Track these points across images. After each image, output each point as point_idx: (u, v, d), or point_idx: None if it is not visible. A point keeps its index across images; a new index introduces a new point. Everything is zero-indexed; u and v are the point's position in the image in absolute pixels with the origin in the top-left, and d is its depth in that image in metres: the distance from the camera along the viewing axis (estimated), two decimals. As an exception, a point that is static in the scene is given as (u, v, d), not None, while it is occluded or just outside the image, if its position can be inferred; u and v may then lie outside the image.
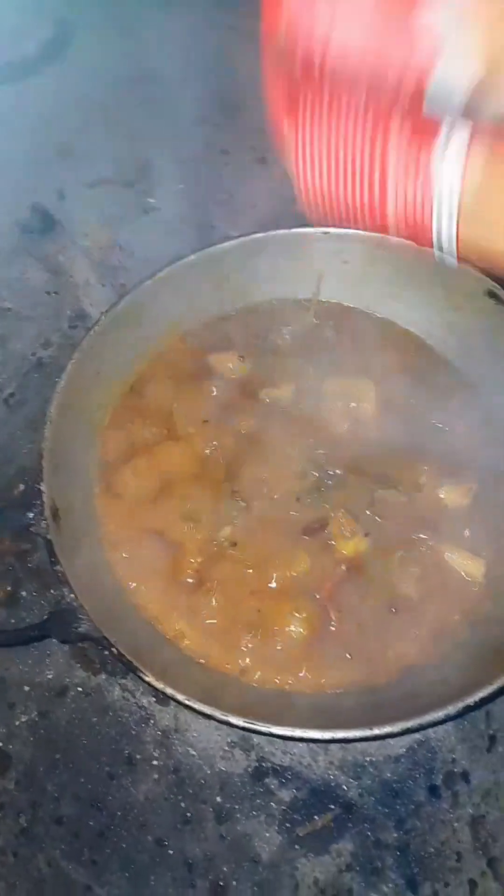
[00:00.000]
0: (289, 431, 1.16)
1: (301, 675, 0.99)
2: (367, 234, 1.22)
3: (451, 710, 0.84)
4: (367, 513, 1.09)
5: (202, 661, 1.01)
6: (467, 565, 1.05)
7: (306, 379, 1.21)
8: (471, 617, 1.03)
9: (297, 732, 0.85)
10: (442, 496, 1.11)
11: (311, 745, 1.01)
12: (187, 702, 0.86)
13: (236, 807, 0.98)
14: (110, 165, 1.68)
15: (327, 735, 0.85)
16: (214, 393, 1.21)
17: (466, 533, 1.08)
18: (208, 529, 1.09)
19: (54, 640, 1.07)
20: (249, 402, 1.20)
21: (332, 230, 1.23)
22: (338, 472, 1.12)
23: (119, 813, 0.98)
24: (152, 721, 1.02)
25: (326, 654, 1.01)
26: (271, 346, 1.25)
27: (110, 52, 1.82)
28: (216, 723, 1.00)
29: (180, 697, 0.87)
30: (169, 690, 0.87)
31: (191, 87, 1.77)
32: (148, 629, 1.02)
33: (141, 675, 0.88)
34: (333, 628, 1.02)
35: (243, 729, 0.86)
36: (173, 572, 1.07)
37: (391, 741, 1.01)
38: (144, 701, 1.04)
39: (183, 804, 0.98)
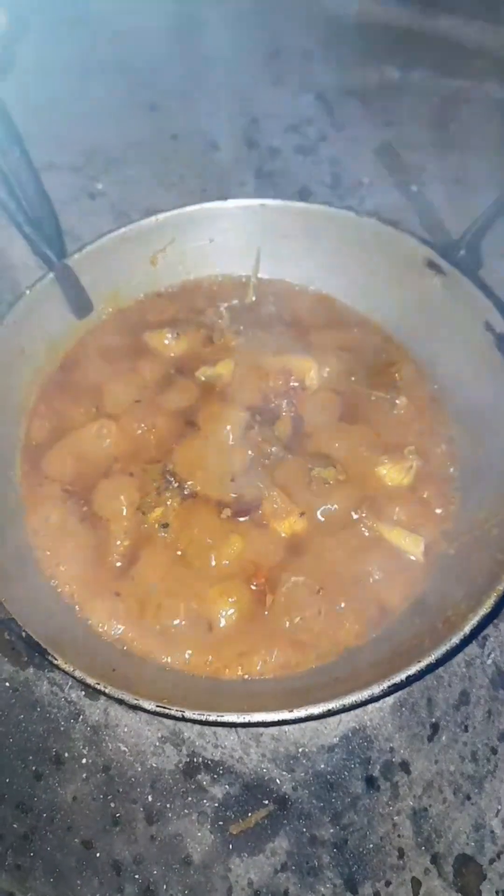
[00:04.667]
0: (225, 410, 1.11)
1: (231, 660, 0.94)
2: (305, 205, 1.22)
3: (377, 689, 0.80)
4: (305, 492, 1.05)
5: (125, 647, 0.95)
6: (406, 543, 1.01)
7: (245, 357, 1.17)
8: (410, 595, 0.97)
9: (213, 716, 0.79)
10: (383, 474, 1.07)
11: (243, 737, 0.94)
12: (97, 685, 0.80)
13: (167, 805, 0.92)
14: (58, 150, 1.63)
15: (243, 718, 0.80)
16: (148, 371, 1.17)
17: (406, 510, 1.04)
18: (138, 511, 1.04)
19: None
20: (185, 381, 1.15)
21: (269, 202, 1.20)
22: (274, 450, 1.08)
23: (45, 815, 0.93)
24: (82, 717, 0.97)
25: (260, 639, 0.95)
26: (209, 324, 1.20)
27: (62, 43, 1.79)
28: (147, 717, 0.94)
29: (90, 681, 0.81)
30: (78, 673, 0.81)
31: (141, 75, 1.73)
32: (69, 614, 0.96)
33: (50, 658, 0.83)
34: (268, 612, 0.97)
35: (155, 713, 0.80)
36: (98, 555, 1.01)
37: (324, 730, 0.94)
38: (74, 695, 0.98)
39: (112, 804, 0.93)
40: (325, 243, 1.20)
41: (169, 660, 0.95)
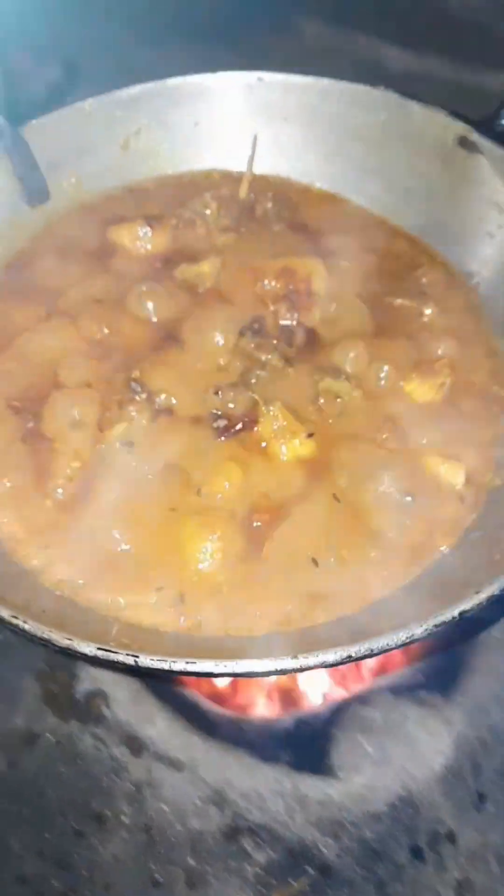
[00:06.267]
0: (209, 314, 0.89)
1: (212, 613, 0.71)
2: (310, 79, 1.01)
3: (418, 630, 0.57)
4: (311, 409, 0.83)
5: (67, 593, 0.72)
6: (443, 471, 0.79)
7: (236, 256, 0.96)
8: (450, 533, 0.75)
9: (178, 664, 0.56)
10: (408, 390, 0.85)
11: (289, 801, 0.84)
12: (13, 619, 0.57)
13: (208, 869, 0.85)
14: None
15: (223, 667, 0.57)
16: (114, 271, 0.94)
17: (441, 433, 0.82)
18: (94, 428, 0.81)
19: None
20: (159, 281, 0.93)
21: (266, 76, 1.00)
22: (271, 360, 0.86)
23: (85, 873, 0.86)
24: (124, 773, 0.88)
25: (253, 588, 0.73)
26: (191, 220, 0.98)
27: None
28: (189, 776, 0.87)
29: (3, 612, 0.57)
30: (28, 625, 0.58)
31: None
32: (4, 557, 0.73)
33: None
34: (262, 554, 0.74)
35: (95, 660, 0.56)
36: (40, 482, 0.78)
37: (371, 797, 0.84)
38: (117, 751, 0.89)
39: (152, 865, 0.85)
40: (334, 128, 1.00)
41: (127, 612, 0.71)
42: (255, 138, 1.01)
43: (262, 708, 0.90)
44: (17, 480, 0.78)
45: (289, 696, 0.91)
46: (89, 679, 0.91)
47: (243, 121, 1.02)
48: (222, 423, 0.80)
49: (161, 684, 0.91)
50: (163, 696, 0.90)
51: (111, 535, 0.74)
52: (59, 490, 0.77)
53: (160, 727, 0.89)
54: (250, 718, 0.90)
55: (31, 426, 0.82)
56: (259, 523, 0.76)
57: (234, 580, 0.73)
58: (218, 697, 0.90)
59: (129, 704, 0.90)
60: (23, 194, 0.95)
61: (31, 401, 0.83)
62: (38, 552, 0.74)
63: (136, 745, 0.88)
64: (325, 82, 0.98)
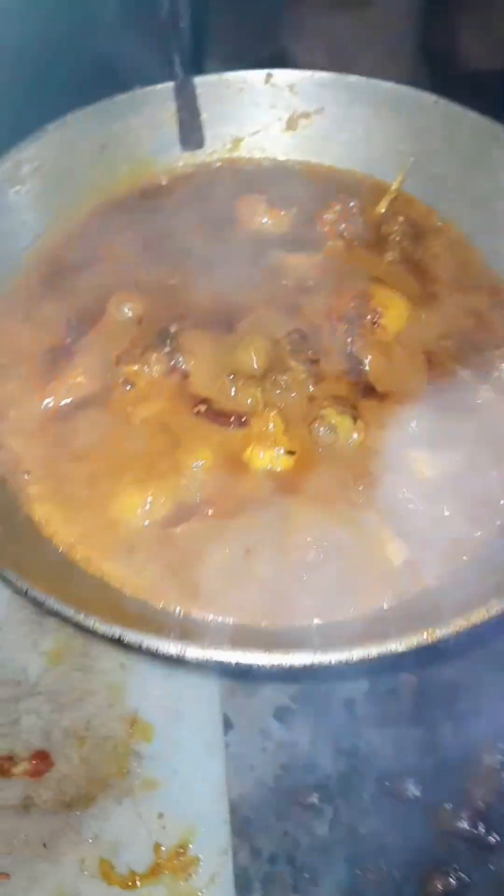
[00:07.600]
0: (269, 311, 0.90)
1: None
2: (486, 121, 0.95)
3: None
4: (301, 429, 0.82)
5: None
6: (388, 546, 0.75)
7: (330, 263, 0.95)
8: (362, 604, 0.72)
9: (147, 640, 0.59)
10: (413, 458, 0.80)
11: None
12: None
13: None
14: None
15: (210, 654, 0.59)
16: (222, 233, 0.98)
17: (414, 511, 0.77)
18: (113, 358, 0.86)
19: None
20: (254, 260, 0.95)
21: (443, 102, 0.95)
22: (296, 370, 0.85)
23: None
24: None
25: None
26: (313, 215, 0.98)
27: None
28: None
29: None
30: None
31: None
32: None
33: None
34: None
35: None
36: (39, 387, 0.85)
37: None
38: None
39: None
40: (495, 174, 0.93)
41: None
42: (411, 162, 0.98)
43: None
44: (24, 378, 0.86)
45: None
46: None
47: (411, 139, 0.98)
48: (203, 407, 0.81)
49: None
50: None
51: (74, 453, 0.80)
52: (49, 399, 0.84)
53: None
54: None
55: (69, 342, 0.89)
56: (211, 512, 0.78)
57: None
58: None
59: None
60: (179, 135, 1.01)
61: (84, 323, 0.90)
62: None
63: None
64: (499, 128, 0.92)
